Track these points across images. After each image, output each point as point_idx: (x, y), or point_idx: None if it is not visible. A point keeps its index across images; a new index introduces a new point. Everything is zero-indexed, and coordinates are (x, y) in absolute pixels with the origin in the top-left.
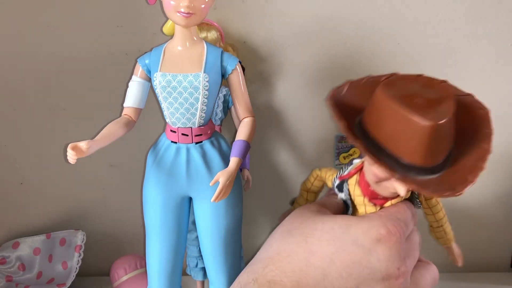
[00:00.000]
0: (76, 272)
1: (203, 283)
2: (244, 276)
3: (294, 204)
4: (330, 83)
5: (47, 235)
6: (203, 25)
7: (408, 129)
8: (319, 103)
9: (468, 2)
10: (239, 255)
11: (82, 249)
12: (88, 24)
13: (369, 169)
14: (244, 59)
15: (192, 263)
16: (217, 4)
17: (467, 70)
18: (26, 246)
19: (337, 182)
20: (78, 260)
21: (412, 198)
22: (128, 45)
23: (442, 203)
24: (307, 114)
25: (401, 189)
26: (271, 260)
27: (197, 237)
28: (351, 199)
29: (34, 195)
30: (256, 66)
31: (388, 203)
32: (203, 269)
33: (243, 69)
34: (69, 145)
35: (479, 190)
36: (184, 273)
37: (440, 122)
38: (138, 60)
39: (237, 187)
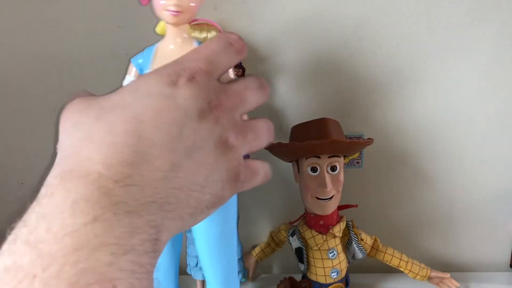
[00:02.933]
0: None
1: (203, 282)
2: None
3: (255, 248)
4: (330, 83)
5: None
6: (203, 26)
7: (314, 125)
8: (319, 103)
9: (468, 2)
10: (235, 254)
11: None
12: (88, 24)
13: (303, 189)
14: (244, 59)
15: (192, 263)
16: (217, 5)
17: (467, 70)
18: None
19: (290, 231)
20: None
21: (351, 246)
22: (128, 46)
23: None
24: (307, 114)
25: (323, 183)
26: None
27: None
28: (302, 237)
29: (34, 195)
30: (256, 66)
31: (330, 230)
32: None
33: (243, 69)
34: None
35: (479, 190)
36: (184, 273)
37: (327, 118)
38: (131, 60)
39: None
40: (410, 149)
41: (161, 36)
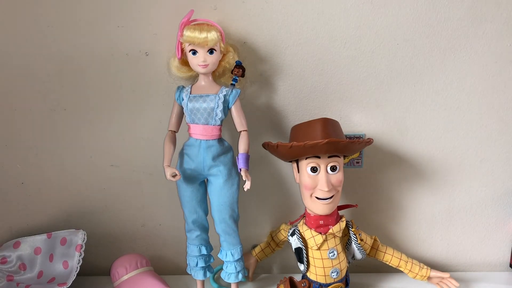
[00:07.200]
0: (77, 272)
1: (203, 282)
2: None
3: (255, 248)
4: (329, 83)
5: (48, 235)
6: (203, 26)
7: (313, 125)
8: (319, 103)
9: (468, 2)
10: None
11: (83, 249)
12: (88, 24)
13: (303, 189)
14: (244, 59)
15: (193, 263)
16: (217, 5)
17: (467, 70)
18: (27, 246)
19: (290, 231)
20: (79, 260)
21: (351, 246)
22: (128, 46)
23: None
24: (307, 114)
25: (323, 183)
26: None
27: (197, 236)
28: (302, 237)
29: (35, 195)
30: (257, 66)
31: (330, 230)
32: (203, 268)
33: (243, 69)
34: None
35: (479, 190)
36: (185, 273)
37: (326, 118)
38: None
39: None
40: (410, 149)
41: (160, 36)
